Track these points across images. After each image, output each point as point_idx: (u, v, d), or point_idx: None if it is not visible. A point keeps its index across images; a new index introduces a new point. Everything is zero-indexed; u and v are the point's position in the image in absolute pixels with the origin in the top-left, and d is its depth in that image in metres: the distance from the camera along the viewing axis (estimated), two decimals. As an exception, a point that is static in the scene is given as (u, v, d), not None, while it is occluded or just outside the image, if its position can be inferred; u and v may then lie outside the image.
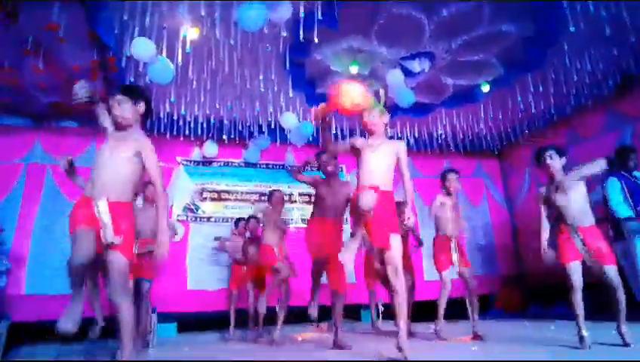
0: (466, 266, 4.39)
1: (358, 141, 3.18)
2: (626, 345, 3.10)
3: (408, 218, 2.85)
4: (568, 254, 3.22)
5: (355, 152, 3.16)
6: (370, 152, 3.06)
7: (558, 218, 3.38)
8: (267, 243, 4.87)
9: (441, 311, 4.36)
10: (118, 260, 2.41)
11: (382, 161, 3.05)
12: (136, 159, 2.57)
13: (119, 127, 2.65)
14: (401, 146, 3.13)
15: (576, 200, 3.30)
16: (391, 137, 3.27)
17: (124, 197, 2.53)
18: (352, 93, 2.85)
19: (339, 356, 2.91)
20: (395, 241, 2.89)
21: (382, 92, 3.22)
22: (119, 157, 2.55)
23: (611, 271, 3.19)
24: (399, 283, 2.84)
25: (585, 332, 3.11)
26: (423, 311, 5.23)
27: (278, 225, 4.96)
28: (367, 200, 2.78)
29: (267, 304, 4.87)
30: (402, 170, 3.07)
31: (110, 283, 2.40)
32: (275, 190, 5.30)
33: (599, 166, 3.35)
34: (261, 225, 5.29)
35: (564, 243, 3.27)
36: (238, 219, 6.46)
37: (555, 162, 3.38)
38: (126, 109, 2.63)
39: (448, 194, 4.57)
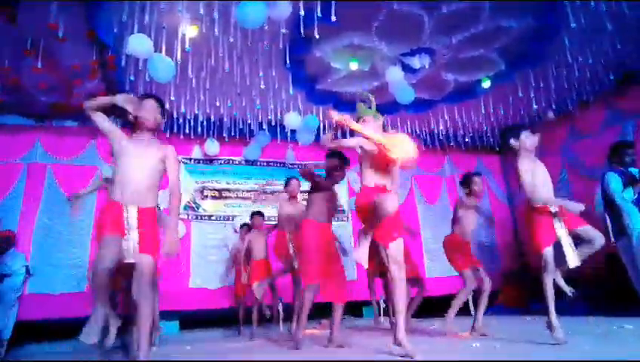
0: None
1: (365, 142, 3.10)
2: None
3: None
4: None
5: (363, 151, 3.11)
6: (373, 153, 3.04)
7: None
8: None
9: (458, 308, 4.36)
10: (148, 262, 2.48)
11: (383, 162, 3.04)
12: (161, 166, 2.68)
13: (142, 129, 2.70)
14: None
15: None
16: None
17: (150, 203, 2.63)
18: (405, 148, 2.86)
19: (341, 355, 2.93)
20: (398, 243, 2.93)
21: (371, 97, 3.24)
22: (148, 164, 2.63)
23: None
24: (399, 274, 2.87)
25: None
26: (423, 308, 5.23)
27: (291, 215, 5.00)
28: (394, 204, 2.79)
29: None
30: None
31: (138, 284, 2.44)
32: (291, 178, 5.17)
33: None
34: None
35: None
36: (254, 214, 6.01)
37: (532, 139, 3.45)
38: (157, 113, 2.74)
39: (474, 196, 4.52)
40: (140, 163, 2.60)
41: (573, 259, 3.20)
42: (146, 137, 2.70)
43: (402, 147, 2.83)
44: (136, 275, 2.46)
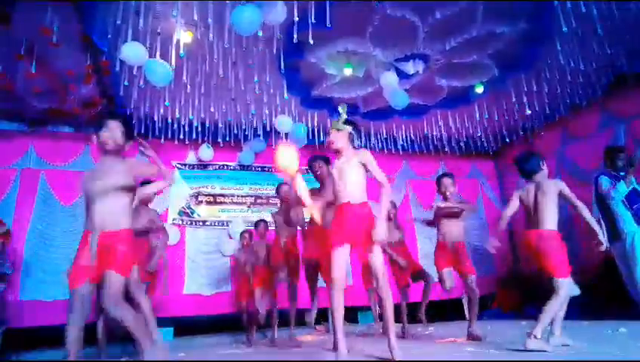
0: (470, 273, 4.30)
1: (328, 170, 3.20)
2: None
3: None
4: None
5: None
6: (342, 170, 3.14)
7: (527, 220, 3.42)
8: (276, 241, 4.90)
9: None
10: (112, 278, 2.47)
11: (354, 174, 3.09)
12: (131, 183, 2.65)
13: (107, 152, 2.67)
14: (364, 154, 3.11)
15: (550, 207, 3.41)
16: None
17: (121, 225, 2.58)
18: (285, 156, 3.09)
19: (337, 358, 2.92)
20: (378, 251, 2.94)
21: (341, 108, 3.27)
22: (113, 189, 2.58)
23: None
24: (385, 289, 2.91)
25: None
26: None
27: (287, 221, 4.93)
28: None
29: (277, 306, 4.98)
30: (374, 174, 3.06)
31: (105, 298, 2.44)
32: (281, 184, 5.07)
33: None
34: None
35: None
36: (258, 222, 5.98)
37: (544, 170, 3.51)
38: (118, 134, 2.68)
39: (445, 198, 4.50)
40: (104, 187, 2.58)
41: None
42: (110, 160, 2.69)
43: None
44: (104, 289, 2.46)
